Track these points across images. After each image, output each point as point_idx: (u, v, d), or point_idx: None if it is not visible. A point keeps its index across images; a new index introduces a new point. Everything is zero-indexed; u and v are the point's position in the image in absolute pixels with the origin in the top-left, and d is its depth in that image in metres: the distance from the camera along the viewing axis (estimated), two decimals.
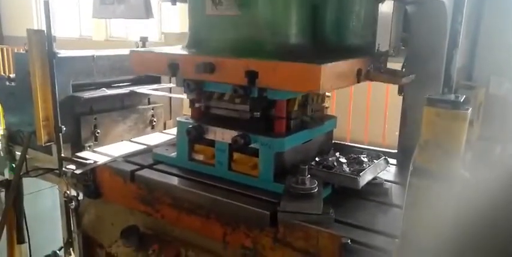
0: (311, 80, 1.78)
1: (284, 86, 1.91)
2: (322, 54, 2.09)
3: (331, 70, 1.82)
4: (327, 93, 3.33)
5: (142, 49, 2.50)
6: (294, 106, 2.20)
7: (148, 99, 3.39)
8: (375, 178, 2.17)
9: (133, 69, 2.42)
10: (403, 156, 2.44)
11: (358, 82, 2.06)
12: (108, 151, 2.74)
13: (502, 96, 2.53)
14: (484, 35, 2.53)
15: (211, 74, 2.01)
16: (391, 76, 2.11)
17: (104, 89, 3.06)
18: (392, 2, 2.05)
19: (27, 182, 3.15)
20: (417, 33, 2.31)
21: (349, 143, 2.96)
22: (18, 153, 3.12)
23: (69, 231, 2.83)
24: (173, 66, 2.14)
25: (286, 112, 2.15)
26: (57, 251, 3.11)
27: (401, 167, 2.46)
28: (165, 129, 3.46)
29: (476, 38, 2.55)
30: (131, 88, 3.21)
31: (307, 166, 2.00)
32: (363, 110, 6.90)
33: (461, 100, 1.34)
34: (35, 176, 3.00)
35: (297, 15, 2.09)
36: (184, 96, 3.41)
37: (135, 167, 2.43)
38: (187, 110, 2.90)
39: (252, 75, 1.91)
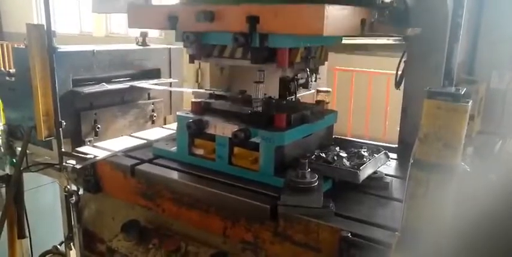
0: (314, 21, 1.74)
1: (286, 30, 1.85)
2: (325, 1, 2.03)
3: (334, 13, 1.77)
4: (327, 89, 3.35)
5: (141, 3, 2.40)
6: (296, 57, 2.13)
7: (149, 94, 3.38)
8: (375, 172, 2.17)
9: (131, 25, 2.34)
10: (404, 150, 2.43)
11: (362, 33, 2.01)
12: (109, 145, 2.74)
13: (503, 91, 2.53)
14: (485, 29, 2.52)
15: (211, 22, 1.96)
16: (396, 27, 2.07)
17: (104, 84, 3.05)
18: None
19: (28, 177, 3.15)
20: (418, 27, 2.30)
21: (350, 138, 2.96)
22: (18, 148, 3.12)
23: (69, 226, 2.84)
24: (172, 19, 2.10)
25: (288, 62, 2.06)
26: (58, 246, 3.12)
27: (402, 161, 2.46)
28: (165, 124, 3.46)
29: (478, 33, 2.54)
30: (131, 83, 3.20)
31: (307, 160, 2.00)
32: (363, 106, 6.90)
33: (462, 93, 1.34)
34: (36, 171, 3.00)
35: None
36: (185, 90, 3.43)
37: (135, 161, 2.43)
38: (187, 105, 2.90)
39: (253, 21, 1.87)
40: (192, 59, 2.30)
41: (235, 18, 1.92)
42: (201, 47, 2.23)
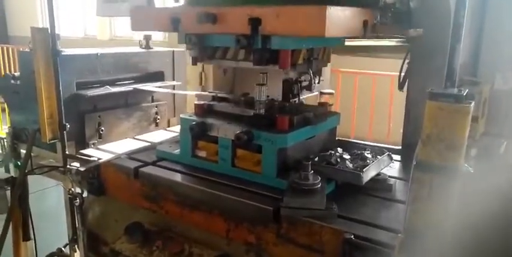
0: (316, 23, 1.73)
1: (288, 31, 1.85)
2: (326, 2, 2.02)
3: (336, 14, 1.77)
4: (330, 91, 3.34)
5: (143, 6, 2.43)
6: (298, 59, 2.13)
7: (152, 96, 3.39)
8: (378, 174, 2.16)
9: (133, 28, 2.35)
10: (407, 152, 2.43)
11: (364, 35, 2.00)
12: (112, 148, 2.75)
13: (507, 92, 2.52)
14: (489, 31, 2.52)
15: (213, 24, 1.97)
16: (398, 28, 2.06)
17: (107, 86, 3.07)
18: None
19: (32, 180, 3.16)
20: (421, 28, 2.29)
21: (353, 140, 2.96)
22: (23, 151, 3.14)
23: (74, 228, 2.85)
24: (175, 21, 2.11)
25: (290, 64, 2.07)
26: (63, 248, 3.12)
27: (405, 163, 2.46)
28: (168, 126, 3.46)
29: (481, 34, 2.53)
30: (135, 86, 3.22)
31: (310, 162, 2.00)
32: (367, 107, 6.88)
33: (464, 94, 1.33)
34: (40, 174, 3.01)
35: None
36: (188, 92, 3.43)
37: (138, 164, 2.44)
38: (191, 108, 2.90)
39: (255, 22, 1.87)
40: (194, 61, 2.31)
41: (238, 20, 1.93)
42: (203, 49, 2.24)
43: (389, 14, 2.06)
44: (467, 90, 1.37)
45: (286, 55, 2.02)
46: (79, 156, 2.68)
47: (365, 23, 1.97)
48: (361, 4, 1.99)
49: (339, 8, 1.80)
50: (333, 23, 1.75)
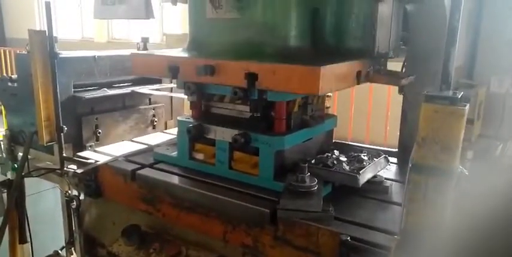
0: (310, 83, 1.79)
1: (283, 88, 1.91)
2: (321, 57, 2.10)
3: (330, 72, 1.83)
4: (327, 93, 3.35)
5: (143, 52, 2.51)
6: (294, 107, 2.21)
7: (150, 99, 3.40)
8: (375, 176, 2.17)
9: (134, 72, 2.44)
10: (404, 154, 2.44)
11: (358, 84, 2.06)
12: (109, 150, 2.75)
13: (503, 95, 2.53)
14: (485, 34, 2.53)
15: (211, 76, 2.02)
16: (391, 78, 2.11)
17: (105, 89, 3.07)
18: (392, 1, 2.06)
19: (29, 183, 3.16)
20: (417, 32, 2.31)
21: (350, 142, 2.97)
22: (20, 153, 3.14)
23: (70, 231, 2.85)
24: (173, 69, 2.16)
25: (286, 113, 2.15)
26: (59, 251, 3.12)
27: (402, 165, 2.47)
28: (166, 129, 3.47)
29: (477, 37, 2.55)
30: (132, 88, 3.23)
31: (307, 164, 2.00)
32: (364, 110, 6.90)
33: (459, 96, 1.35)
34: (37, 176, 3.00)
35: (297, 18, 2.10)
36: (186, 96, 3.44)
37: (136, 166, 2.44)
38: (188, 110, 2.91)
39: (251, 78, 1.92)
40: (193, 106, 2.41)
41: (235, 73, 1.97)
42: (202, 94, 2.34)
43: (382, 60, 2.11)
44: (462, 92, 1.38)
45: (282, 106, 2.12)
46: (76, 158, 2.68)
47: (358, 73, 2.03)
48: (355, 54, 2.06)
49: (333, 66, 1.85)
50: (326, 81, 1.80)
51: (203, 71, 2.01)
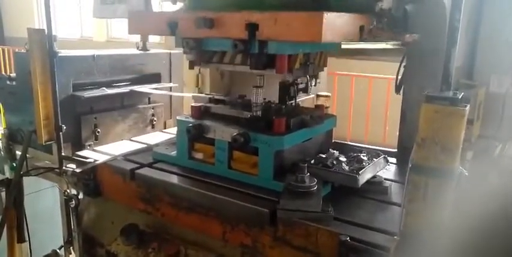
0: (312, 29, 1.75)
1: (285, 37, 1.86)
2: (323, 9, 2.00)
3: (333, 19, 1.78)
4: (326, 93, 3.35)
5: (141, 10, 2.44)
6: (295, 64, 2.13)
7: (149, 98, 3.39)
8: (374, 177, 2.17)
9: (130, 31, 2.35)
10: (403, 154, 2.44)
11: (361, 39, 2.02)
12: (108, 149, 2.74)
13: (502, 95, 2.53)
14: (485, 34, 2.53)
15: (210, 29, 1.98)
16: (395, 34, 2.08)
17: (104, 88, 3.06)
18: None
19: (28, 182, 3.15)
20: (417, 32, 2.31)
21: (349, 143, 2.96)
22: (18, 152, 3.12)
23: (69, 230, 2.84)
24: (172, 25, 2.11)
25: (288, 69, 2.07)
26: (58, 250, 3.11)
27: (401, 165, 2.47)
28: (165, 128, 3.46)
29: (477, 37, 2.55)
30: (131, 87, 3.22)
31: (306, 164, 2.00)
32: (363, 110, 6.90)
33: (459, 97, 1.34)
34: (36, 175, 3.00)
35: None
36: (185, 94, 3.43)
37: (135, 165, 2.44)
38: (187, 110, 2.90)
39: (252, 28, 1.88)
40: (191, 65, 2.31)
41: (235, 25, 1.94)
42: (200, 53, 2.24)
43: (385, 19, 2.08)
44: (462, 93, 1.38)
45: (283, 60, 2.03)
46: (75, 157, 2.68)
47: (361, 28, 1.99)
48: (358, 10, 2.00)
49: (335, 14, 1.81)
50: (329, 29, 1.76)
51: (202, 24, 1.96)
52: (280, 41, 1.93)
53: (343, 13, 1.87)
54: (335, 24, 1.81)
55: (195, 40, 2.16)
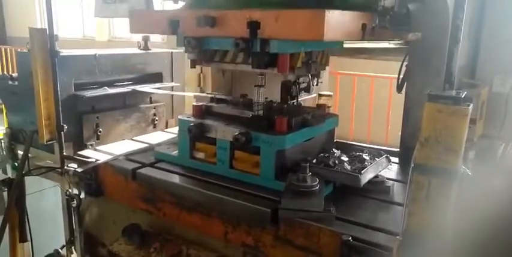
0: (314, 27, 1.73)
1: (287, 35, 1.84)
2: (325, 7, 1.98)
3: (335, 18, 1.77)
4: (328, 92, 3.34)
5: (142, 9, 2.43)
6: (297, 62, 2.12)
7: (150, 98, 3.39)
8: (376, 176, 2.16)
9: (132, 30, 2.35)
10: (405, 154, 2.43)
11: (363, 38, 2.00)
12: (110, 149, 2.75)
13: (505, 95, 2.52)
14: (487, 33, 2.52)
15: (212, 27, 1.97)
16: (397, 32, 2.06)
17: (106, 87, 3.06)
18: None
19: (30, 181, 3.15)
20: (419, 31, 2.30)
21: (351, 142, 2.95)
22: (20, 152, 3.13)
23: (71, 229, 2.84)
24: (173, 24, 2.11)
25: (289, 68, 2.06)
26: (60, 250, 3.11)
27: (404, 165, 2.46)
28: (167, 128, 3.46)
29: (479, 37, 2.54)
30: (133, 87, 3.22)
31: (308, 164, 1.99)
32: (365, 110, 6.89)
33: (462, 96, 1.33)
34: (37, 175, 3.00)
35: None
36: (186, 94, 3.43)
37: (136, 165, 2.43)
38: (189, 109, 2.90)
39: (254, 26, 1.87)
40: (193, 64, 2.30)
41: (237, 23, 1.93)
42: (202, 52, 2.23)
43: (387, 18, 2.06)
44: (465, 92, 1.37)
45: (285, 59, 2.02)
46: (77, 157, 2.68)
47: (363, 26, 1.97)
48: (360, 8, 1.99)
49: (337, 12, 1.80)
50: (331, 27, 1.75)
51: (204, 22, 1.95)
52: (282, 39, 1.92)
53: (345, 11, 1.86)
54: (337, 22, 1.80)
55: (196, 39, 2.15)
